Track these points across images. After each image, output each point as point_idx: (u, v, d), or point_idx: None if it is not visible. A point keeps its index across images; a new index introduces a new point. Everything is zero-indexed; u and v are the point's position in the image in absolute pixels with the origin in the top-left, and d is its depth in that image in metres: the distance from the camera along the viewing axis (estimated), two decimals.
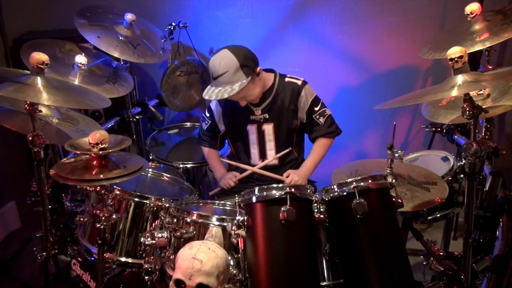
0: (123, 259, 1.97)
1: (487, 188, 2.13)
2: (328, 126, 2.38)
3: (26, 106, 1.82)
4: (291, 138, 2.41)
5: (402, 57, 3.08)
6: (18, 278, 2.65)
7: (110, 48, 2.54)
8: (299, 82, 2.37)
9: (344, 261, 1.67)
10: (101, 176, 1.69)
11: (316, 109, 2.36)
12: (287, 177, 2.33)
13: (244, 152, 2.45)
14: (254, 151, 2.42)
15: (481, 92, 2.02)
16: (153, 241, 1.80)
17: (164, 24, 2.98)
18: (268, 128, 2.37)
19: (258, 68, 2.24)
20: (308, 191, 1.69)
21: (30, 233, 2.70)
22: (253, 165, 2.42)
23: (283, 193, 1.60)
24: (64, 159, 1.89)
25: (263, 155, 2.41)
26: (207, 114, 2.50)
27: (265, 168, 2.40)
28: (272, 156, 2.40)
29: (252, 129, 2.39)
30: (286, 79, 2.38)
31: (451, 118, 2.02)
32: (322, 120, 2.37)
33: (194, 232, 1.76)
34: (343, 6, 3.02)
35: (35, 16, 3.17)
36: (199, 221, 1.77)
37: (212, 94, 2.20)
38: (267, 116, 2.36)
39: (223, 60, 2.16)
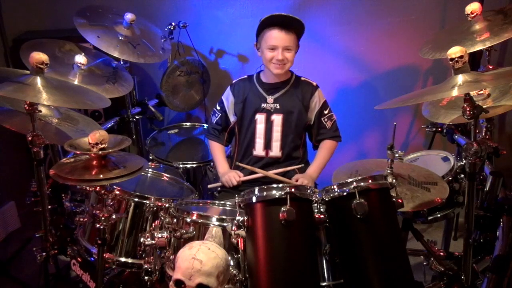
0: (122, 259, 1.97)
1: (487, 188, 2.13)
2: (334, 130, 2.46)
3: (25, 106, 1.82)
4: (299, 135, 2.44)
5: (402, 57, 3.08)
6: (18, 278, 2.64)
7: (110, 48, 2.54)
8: (314, 84, 2.46)
9: (344, 261, 1.67)
10: (101, 176, 1.69)
11: (325, 112, 2.44)
12: (296, 181, 2.34)
13: (248, 142, 2.46)
14: (260, 141, 2.43)
15: (481, 92, 2.01)
16: (153, 241, 1.79)
17: (164, 24, 2.97)
18: (277, 119, 2.39)
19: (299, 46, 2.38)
20: (308, 191, 1.69)
21: (29, 233, 2.69)
22: (256, 156, 2.44)
23: (283, 193, 1.59)
24: (64, 159, 1.89)
25: (267, 146, 2.42)
26: (218, 107, 2.53)
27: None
28: (276, 152, 2.42)
29: (261, 118, 2.41)
30: (302, 78, 2.46)
31: (451, 118, 2.02)
32: (329, 123, 2.44)
33: (194, 232, 1.75)
34: (343, 6, 3.02)
35: (35, 15, 3.16)
36: (199, 221, 1.77)
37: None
38: (278, 107, 2.39)
39: None
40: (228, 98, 2.49)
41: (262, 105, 2.40)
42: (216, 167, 2.52)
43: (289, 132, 2.40)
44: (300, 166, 2.42)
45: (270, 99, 2.40)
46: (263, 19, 2.30)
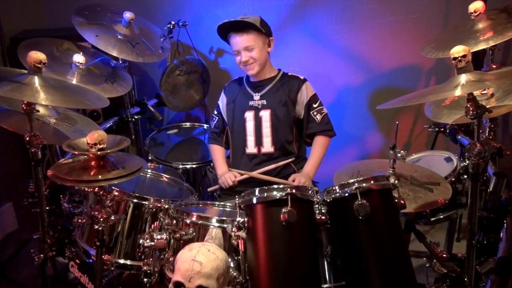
0: (121, 261, 1.96)
1: (491, 189, 2.11)
2: (325, 124, 2.44)
3: (23, 106, 1.80)
4: (290, 129, 2.44)
5: (404, 56, 3.06)
6: (15, 281, 2.63)
7: (108, 47, 2.53)
8: (301, 78, 2.46)
9: (345, 263, 1.66)
10: (100, 177, 1.67)
11: (314, 106, 2.43)
12: (293, 181, 2.34)
13: (241, 141, 2.48)
14: (251, 138, 2.45)
15: (485, 92, 1.99)
16: (152, 243, 1.78)
17: (163, 23, 2.96)
18: (265, 115, 2.42)
19: (272, 38, 2.42)
20: (310, 192, 1.68)
21: (27, 234, 2.68)
22: (249, 154, 2.46)
23: (284, 194, 1.59)
24: (62, 159, 1.88)
25: (259, 142, 2.44)
26: (215, 112, 2.59)
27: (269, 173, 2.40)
28: (268, 148, 2.42)
29: (250, 116, 2.44)
30: (289, 74, 2.49)
31: (454, 118, 2.00)
32: (319, 117, 2.42)
33: (194, 233, 1.75)
34: (344, 4, 3.00)
35: (33, 14, 3.16)
36: (199, 222, 1.76)
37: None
38: (265, 102, 2.42)
39: (245, 15, 2.36)
40: (222, 100, 2.56)
41: (250, 103, 2.45)
42: (215, 169, 2.53)
43: (278, 126, 2.42)
44: (291, 159, 2.42)
45: (256, 96, 2.44)
46: (217, 29, 2.39)
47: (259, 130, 2.43)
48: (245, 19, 2.33)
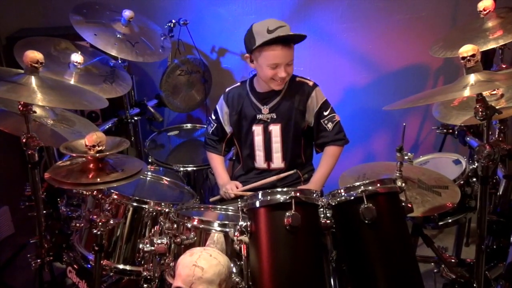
0: (121, 266, 1.95)
1: (500, 192, 2.13)
2: (336, 133, 2.32)
3: (19, 106, 1.79)
4: (299, 142, 2.36)
5: (412, 56, 3.04)
6: (12, 286, 2.63)
7: (107, 46, 2.51)
8: (310, 83, 2.34)
9: (351, 269, 1.65)
10: (98, 179, 1.66)
11: (325, 113, 2.31)
12: None
13: (248, 155, 2.40)
14: (260, 153, 2.37)
15: (494, 92, 1.97)
16: (152, 248, 1.76)
17: (164, 21, 2.94)
18: (275, 129, 2.32)
19: None
20: (314, 195, 1.67)
21: (24, 239, 2.70)
22: (258, 169, 2.39)
23: (287, 197, 1.58)
24: (59, 162, 1.87)
25: (268, 158, 2.36)
26: (213, 117, 2.47)
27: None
28: (278, 164, 2.35)
29: (258, 130, 2.34)
30: (297, 79, 2.35)
31: (463, 119, 1.98)
32: (330, 126, 2.31)
33: (195, 238, 1.73)
34: (350, 2, 2.99)
35: (29, 12, 3.15)
36: (200, 226, 1.74)
37: (277, 29, 2.12)
38: (275, 116, 2.31)
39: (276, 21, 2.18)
40: (222, 108, 2.42)
41: (258, 116, 2.33)
42: (216, 179, 2.48)
43: (288, 140, 2.33)
44: (292, 172, 2.34)
45: (265, 109, 2.32)
46: (267, 41, 2.14)
47: (268, 145, 2.34)
48: (286, 29, 2.15)
